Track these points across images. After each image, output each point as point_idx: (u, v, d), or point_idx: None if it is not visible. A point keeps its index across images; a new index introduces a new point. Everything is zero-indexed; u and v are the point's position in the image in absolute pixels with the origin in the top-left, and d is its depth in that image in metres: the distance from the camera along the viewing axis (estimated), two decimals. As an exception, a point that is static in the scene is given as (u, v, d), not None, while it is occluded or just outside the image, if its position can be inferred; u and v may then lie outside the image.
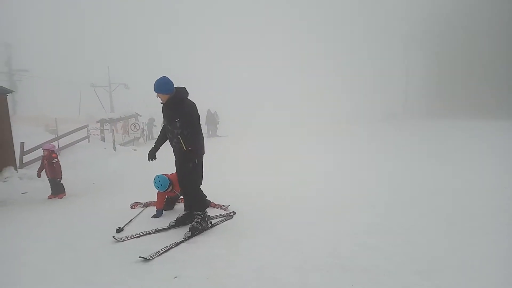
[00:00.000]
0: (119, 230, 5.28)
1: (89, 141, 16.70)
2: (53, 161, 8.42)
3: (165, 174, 6.03)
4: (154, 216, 5.92)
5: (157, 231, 5.16)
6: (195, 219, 5.07)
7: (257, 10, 66.54)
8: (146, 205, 6.72)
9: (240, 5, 67.60)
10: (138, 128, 21.43)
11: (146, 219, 5.82)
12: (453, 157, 11.44)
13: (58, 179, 8.55)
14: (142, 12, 70.64)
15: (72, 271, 4.04)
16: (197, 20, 70.30)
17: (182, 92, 4.92)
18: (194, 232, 4.94)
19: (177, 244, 4.68)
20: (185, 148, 4.85)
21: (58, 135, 15.59)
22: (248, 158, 13.29)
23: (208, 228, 5.17)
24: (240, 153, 14.79)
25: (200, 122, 5.12)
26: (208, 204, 5.25)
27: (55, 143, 14.01)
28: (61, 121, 21.83)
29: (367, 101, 40.76)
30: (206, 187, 6.72)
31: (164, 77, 4.89)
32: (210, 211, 5.81)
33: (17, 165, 11.50)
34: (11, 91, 11.77)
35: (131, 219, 5.81)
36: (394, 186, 7.76)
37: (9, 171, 10.37)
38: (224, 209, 6.25)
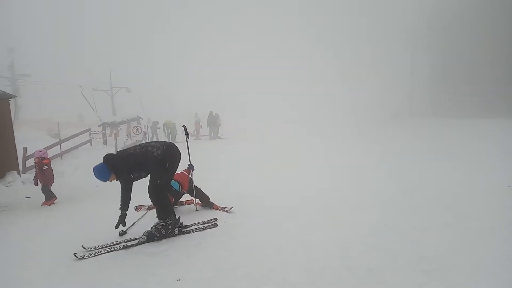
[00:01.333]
0: (122, 233, 5.28)
1: (91, 145, 16.72)
2: (44, 168, 8.30)
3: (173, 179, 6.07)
4: None
5: (129, 240, 5.05)
6: (156, 226, 5.02)
7: (262, 11, 66.67)
8: (150, 208, 6.72)
9: (247, 7, 67.77)
10: (140, 131, 21.45)
11: (150, 221, 5.80)
12: (461, 157, 11.35)
13: (50, 187, 8.37)
14: (144, 14, 70.81)
15: (77, 274, 4.03)
16: (198, 21, 70.44)
17: (112, 162, 5.02)
18: (151, 238, 4.91)
19: (126, 247, 4.70)
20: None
21: (61, 139, 15.61)
22: (251, 159, 13.25)
23: (175, 235, 5.07)
24: (243, 154, 14.75)
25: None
26: (171, 212, 5.14)
27: (57, 147, 14.04)
28: (64, 125, 21.85)
29: (372, 101, 40.70)
30: (210, 189, 6.74)
31: (97, 169, 4.99)
32: (206, 215, 5.81)
33: (20, 169, 11.50)
34: (13, 96, 11.80)
35: (134, 222, 5.80)
36: (402, 186, 7.69)
37: (12, 176, 10.39)
38: (227, 211, 6.23)
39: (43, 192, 8.34)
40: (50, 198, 8.33)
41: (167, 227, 5.02)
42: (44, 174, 8.28)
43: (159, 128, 24.26)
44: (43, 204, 8.23)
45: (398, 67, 41.20)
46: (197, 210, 6.45)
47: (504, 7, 27.69)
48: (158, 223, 5.02)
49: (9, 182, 10.04)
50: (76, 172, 12.05)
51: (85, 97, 26.03)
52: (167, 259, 4.29)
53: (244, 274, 3.80)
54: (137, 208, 6.78)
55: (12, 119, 11.54)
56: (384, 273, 3.68)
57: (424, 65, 37.89)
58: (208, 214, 6.02)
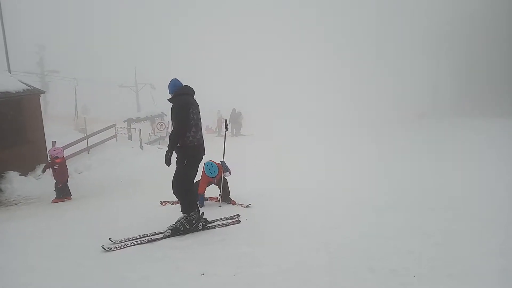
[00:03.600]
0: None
1: (116, 140, 17.08)
2: (55, 167, 8.43)
3: (212, 161, 6.38)
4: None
5: (154, 234, 5.08)
6: (180, 220, 5.06)
7: (273, 12, 66.34)
8: (175, 203, 6.83)
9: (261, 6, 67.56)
10: (164, 127, 21.74)
11: (175, 216, 5.89)
12: (488, 158, 11.01)
13: (59, 185, 8.53)
14: (171, 11, 71.49)
15: (104, 266, 4.14)
16: (223, 18, 70.58)
17: (179, 90, 5.11)
18: (176, 233, 4.96)
19: (151, 241, 4.79)
20: (179, 144, 4.92)
21: (87, 134, 16.00)
22: (273, 157, 13.26)
23: (199, 230, 5.10)
24: (265, 152, 14.77)
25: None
26: (195, 207, 5.16)
27: (83, 142, 14.39)
28: (90, 120, 22.38)
29: (394, 102, 39.95)
30: (231, 185, 6.80)
31: (172, 79, 5.24)
32: (229, 211, 5.86)
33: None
34: (43, 92, 12.20)
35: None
36: (426, 188, 7.54)
37: (42, 169, 10.72)
38: (245, 207, 6.30)
39: (55, 188, 8.51)
40: (59, 196, 8.46)
41: (191, 222, 5.05)
42: (55, 172, 8.44)
43: None
44: (53, 201, 8.38)
45: (421, 67, 40.33)
46: (221, 206, 6.52)
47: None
48: (183, 218, 5.06)
49: (39, 175, 10.37)
50: (102, 167, 12.36)
51: (75, 93, 26.44)
52: (191, 253, 4.36)
53: (266, 271, 3.82)
54: (163, 203, 6.93)
55: (42, 114, 11.91)
56: (408, 275, 3.62)
57: (448, 65, 36.96)
58: (231, 211, 6.06)
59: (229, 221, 5.52)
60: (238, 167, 10.50)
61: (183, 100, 5.00)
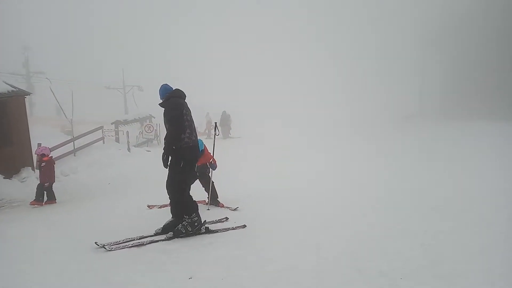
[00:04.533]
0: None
1: (104, 142, 16.90)
2: (42, 165, 8.15)
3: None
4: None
5: (141, 237, 4.99)
6: (182, 222, 5.00)
7: (267, 12, 66.65)
8: (162, 206, 6.81)
9: (251, 7, 67.80)
10: (152, 130, 21.58)
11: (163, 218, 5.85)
12: (472, 160, 11.20)
13: (46, 184, 8.28)
14: (154, 12, 71.22)
15: (91, 270, 4.08)
16: (210, 20, 70.58)
17: (170, 93, 5.11)
18: (178, 235, 4.92)
19: (153, 241, 4.77)
20: (173, 145, 4.88)
21: (74, 136, 15.80)
22: (262, 160, 13.27)
23: (201, 234, 5.07)
24: (254, 155, 14.78)
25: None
26: (196, 209, 5.09)
27: (70, 144, 14.20)
28: (77, 122, 22.11)
29: (382, 103, 40.40)
30: (220, 187, 6.79)
31: (163, 85, 5.23)
32: (218, 214, 5.84)
33: (34, 165, 11.68)
34: (29, 93, 12.01)
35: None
36: (413, 189, 7.65)
37: (26, 172, 10.57)
38: (233, 210, 6.29)
39: (46, 192, 8.22)
40: (38, 199, 8.15)
41: (193, 224, 5.00)
42: (41, 171, 8.18)
43: None
44: (31, 203, 8.06)
45: (408, 69, 40.87)
46: (209, 209, 6.50)
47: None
48: (184, 220, 5.00)
49: (23, 178, 10.21)
50: (89, 169, 12.22)
51: (52, 92, 26.21)
52: (179, 256, 4.33)
53: (255, 274, 3.82)
54: (150, 207, 6.88)
55: (27, 116, 11.72)
56: (395, 276, 3.65)
57: (434, 67, 37.51)
58: (219, 213, 6.04)
59: (234, 225, 5.43)
60: (227, 169, 10.52)
61: (175, 102, 4.99)
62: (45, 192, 8.28)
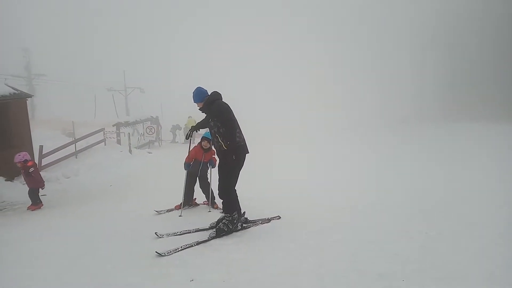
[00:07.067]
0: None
1: (105, 144, 16.94)
2: (30, 170, 7.92)
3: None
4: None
5: (197, 230, 5.31)
6: (223, 221, 5.18)
7: (264, 13, 66.74)
8: (169, 210, 6.76)
9: (249, 9, 67.94)
10: (153, 131, 21.63)
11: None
12: (470, 162, 11.24)
13: (42, 188, 8.16)
14: (156, 16, 71.36)
15: (92, 273, 4.10)
16: (208, 21, 70.70)
17: (212, 96, 5.26)
18: (220, 233, 5.06)
19: (199, 243, 4.78)
20: (225, 147, 5.03)
21: (75, 138, 15.84)
22: (261, 162, 13.28)
23: (236, 231, 5.23)
24: (257, 156, 14.77)
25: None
26: (238, 207, 5.32)
27: (71, 146, 14.22)
28: (78, 124, 22.18)
29: (378, 106, 40.40)
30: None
31: (197, 88, 5.36)
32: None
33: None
34: (30, 96, 12.05)
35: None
36: (411, 191, 7.67)
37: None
38: (221, 212, 6.32)
39: (30, 196, 8.04)
40: (36, 203, 8.05)
41: (233, 222, 5.19)
42: (32, 177, 8.00)
43: (180, 130, 24.35)
44: (29, 208, 7.97)
45: (405, 71, 40.91)
46: (210, 211, 6.52)
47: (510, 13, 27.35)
48: (225, 218, 5.18)
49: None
50: (90, 171, 12.24)
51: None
52: (180, 259, 4.34)
53: (257, 277, 3.83)
54: (158, 212, 6.84)
55: (29, 118, 11.76)
56: (394, 278, 3.67)
57: (431, 68, 37.57)
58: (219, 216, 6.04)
59: (261, 221, 5.67)
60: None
61: (224, 105, 5.18)
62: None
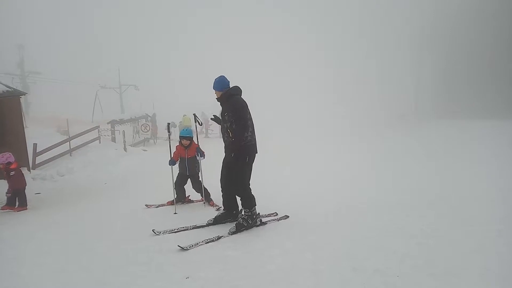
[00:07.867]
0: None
1: (100, 142, 16.85)
2: (11, 173, 7.58)
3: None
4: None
5: (195, 227, 5.31)
6: (243, 216, 5.21)
7: (261, 13, 66.65)
8: (160, 206, 6.88)
9: (246, 7, 67.80)
10: (148, 129, 21.55)
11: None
12: (467, 158, 11.29)
13: (18, 189, 7.65)
14: (151, 13, 71.05)
15: (87, 272, 4.07)
16: (202, 20, 70.51)
17: (232, 90, 5.24)
18: (240, 228, 5.09)
19: (219, 237, 4.83)
20: (231, 143, 5.06)
21: (70, 136, 15.74)
22: (265, 161, 13.26)
23: (256, 226, 5.26)
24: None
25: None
26: (255, 203, 5.33)
27: (66, 144, 14.13)
28: (73, 122, 22.02)
29: (377, 103, 40.51)
30: (217, 187, 6.77)
31: (220, 76, 5.32)
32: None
33: (30, 166, 11.65)
34: (24, 93, 11.95)
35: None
36: (408, 188, 7.69)
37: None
38: (217, 210, 6.37)
39: (18, 197, 7.68)
40: (23, 204, 7.69)
41: (253, 217, 5.22)
42: (14, 178, 7.65)
43: (175, 127, 24.31)
44: (3, 208, 7.57)
45: (403, 69, 41.03)
46: (176, 213, 6.48)
47: (509, 10, 27.50)
48: (244, 213, 5.21)
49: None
50: (85, 169, 12.18)
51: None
52: (175, 257, 4.32)
53: (253, 274, 3.82)
54: (148, 206, 6.89)
55: (23, 116, 11.67)
56: (391, 274, 3.67)
57: (428, 66, 37.72)
58: (214, 213, 6.04)
59: (278, 218, 5.70)
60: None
61: (241, 101, 5.16)
62: (17, 197, 7.72)
